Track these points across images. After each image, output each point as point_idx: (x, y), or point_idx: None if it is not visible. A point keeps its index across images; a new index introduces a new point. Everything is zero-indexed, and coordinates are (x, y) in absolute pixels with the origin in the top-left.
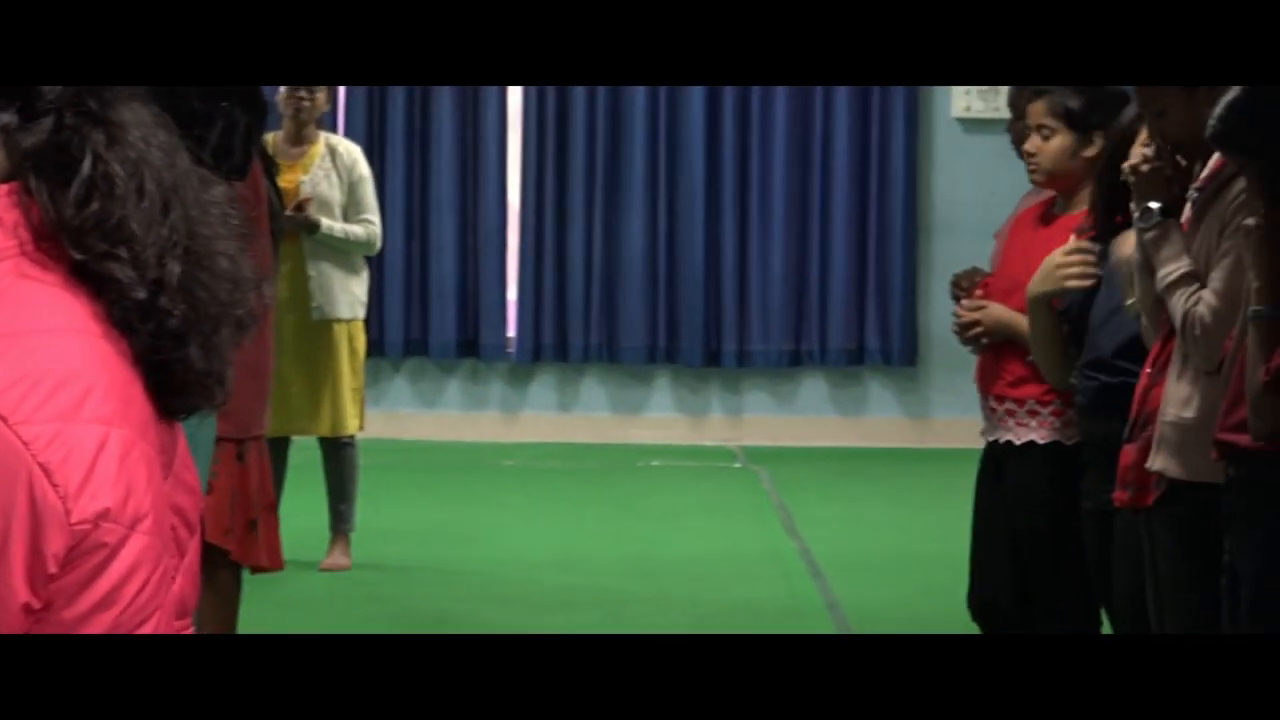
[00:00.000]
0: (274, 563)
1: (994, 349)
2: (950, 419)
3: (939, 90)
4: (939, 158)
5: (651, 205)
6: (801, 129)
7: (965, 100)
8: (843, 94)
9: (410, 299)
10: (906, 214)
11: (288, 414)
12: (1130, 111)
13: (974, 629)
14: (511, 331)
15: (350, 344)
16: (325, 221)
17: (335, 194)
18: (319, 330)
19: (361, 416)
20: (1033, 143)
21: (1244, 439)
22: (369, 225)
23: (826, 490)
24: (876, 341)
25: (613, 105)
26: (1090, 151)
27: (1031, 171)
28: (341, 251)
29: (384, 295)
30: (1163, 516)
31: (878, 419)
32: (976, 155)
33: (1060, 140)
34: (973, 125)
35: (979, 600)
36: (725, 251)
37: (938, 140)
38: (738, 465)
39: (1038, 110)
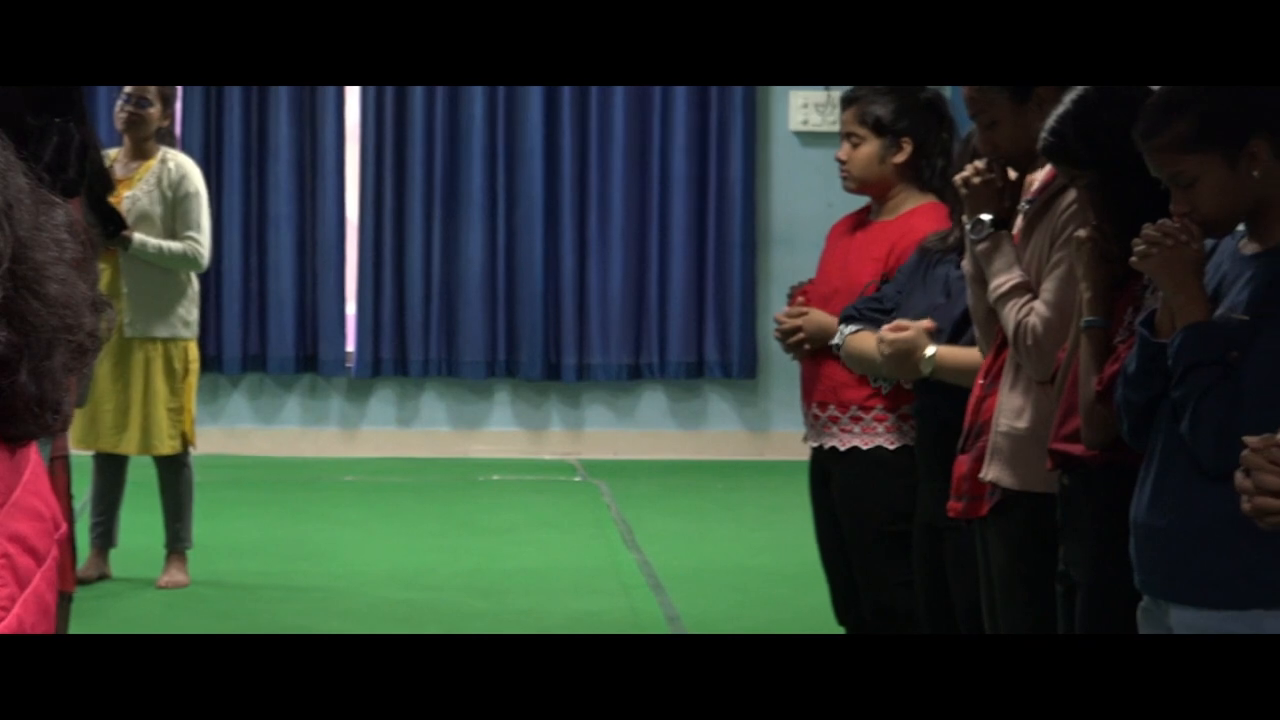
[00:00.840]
0: (64, 584)
1: (816, 356)
2: (790, 431)
3: (776, 104)
4: (776, 171)
5: (490, 219)
6: (640, 142)
7: (802, 114)
8: (680, 108)
9: (248, 314)
10: (745, 227)
11: (97, 430)
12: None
13: (824, 627)
14: (350, 346)
15: (169, 363)
16: (138, 237)
17: (157, 209)
18: (132, 348)
19: (185, 436)
20: (843, 151)
21: (1078, 448)
22: (191, 242)
23: (666, 503)
24: (716, 354)
25: (450, 119)
26: (900, 158)
27: (844, 179)
28: (164, 269)
29: (222, 310)
30: (996, 526)
31: (717, 432)
32: (813, 168)
33: (869, 148)
34: (810, 138)
35: (839, 606)
36: (564, 265)
37: (775, 153)
38: (578, 479)
39: (847, 118)
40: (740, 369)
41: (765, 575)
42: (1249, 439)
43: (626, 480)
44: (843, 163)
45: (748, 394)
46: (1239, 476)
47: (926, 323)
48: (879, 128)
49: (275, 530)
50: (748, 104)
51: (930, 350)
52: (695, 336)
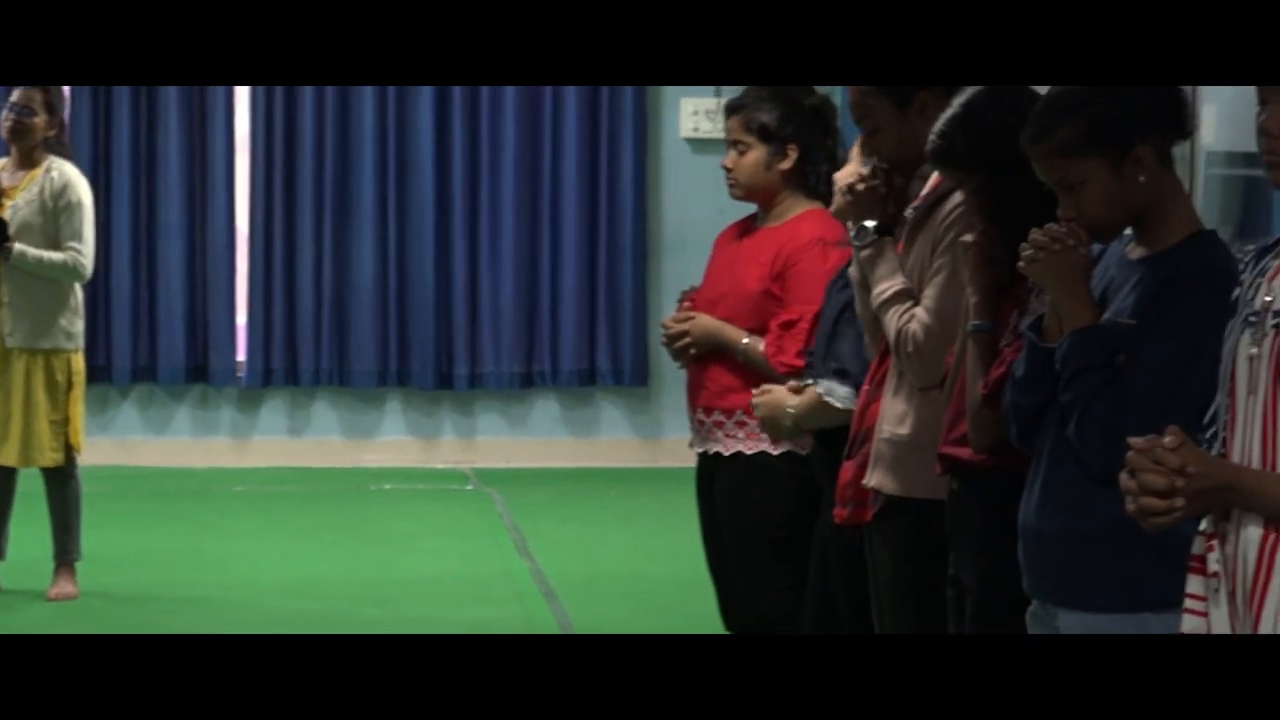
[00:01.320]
0: None
1: (701, 361)
2: (682, 438)
3: (667, 111)
4: (667, 178)
5: (381, 228)
6: (530, 150)
7: (693, 121)
8: (571, 115)
9: (138, 324)
10: (636, 234)
11: None
12: None
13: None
14: (241, 356)
15: (50, 375)
16: (18, 247)
17: (38, 219)
18: (13, 359)
19: (69, 448)
20: (729, 158)
21: (965, 453)
22: (73, 252)
23: (559, 511)
24: (608, 362)
25: (341, 127)
26: (785, 164)
27: (731, 186)
28: (47, 280)
29: (111, 321)
30: (881, 532)
31: (610, 439)
32: (704, 175)
33: (755, 155)
34: (700, 145)
35: (726, 612)
36: (456, 274)
37: (666, 160)
38: (470, 488)
39: (733, 126)
40: (632, 376)
41: (657, 582)
42: (1133, 440)
43: (519, 488)
44: (729, 170)
45: (640, 401)
46: (1124, 477)
47: (790, 386)
48: (765, 135)
49: (166, 541)
50: (638, 111)
51: (792, 408)
52: (587, 344)
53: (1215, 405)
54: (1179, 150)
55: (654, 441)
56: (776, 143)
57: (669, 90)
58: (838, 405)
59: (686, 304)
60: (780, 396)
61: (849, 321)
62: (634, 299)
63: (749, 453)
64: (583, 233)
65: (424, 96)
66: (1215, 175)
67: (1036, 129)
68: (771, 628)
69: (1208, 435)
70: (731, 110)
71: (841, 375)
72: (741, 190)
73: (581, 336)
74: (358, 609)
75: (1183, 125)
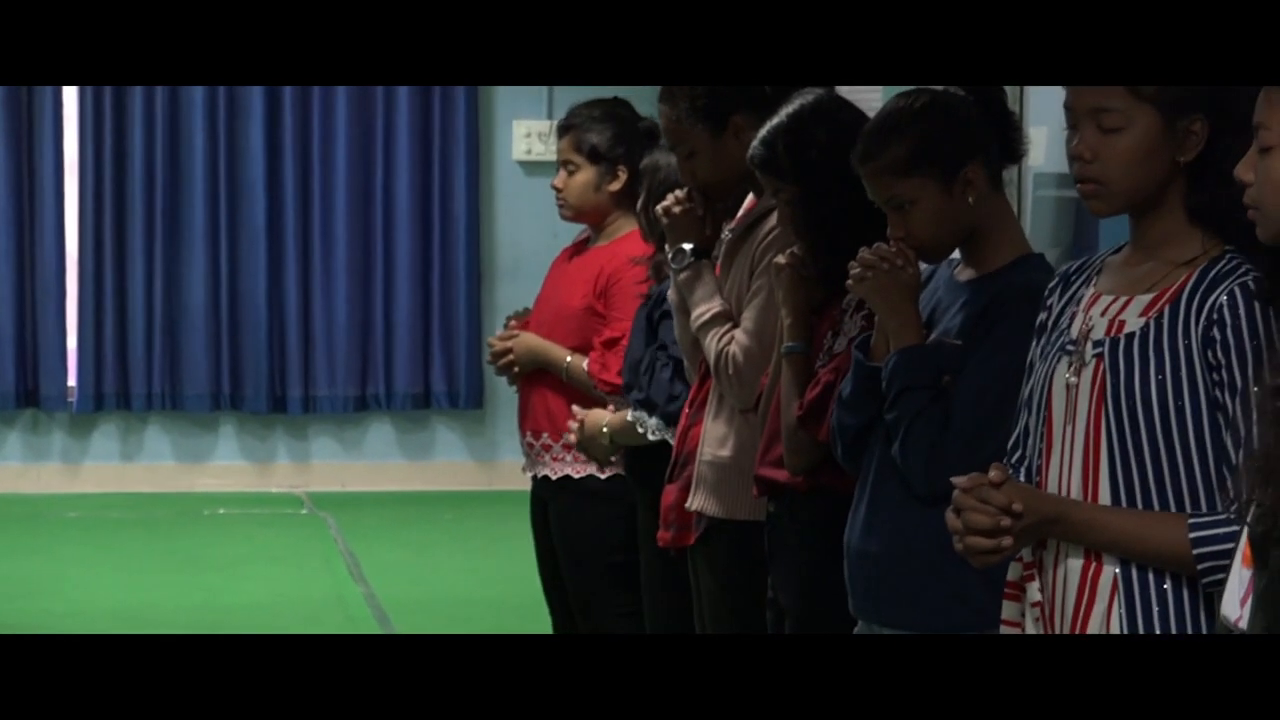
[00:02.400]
0: None
1: (530, 382)
2: (517, 461)
3: (500, 133)
4: (500, 201)
5: (213, 250)
6: (363, 172)
7: (525, 143)
8: (404, 137)
9: None
10: (470, 257)
11: None
12: (663, 155)
13: None
14: (72, 380)
15: None
16: None
17: None
18: None
19: None
20: (560, 178)
21: (782, 475)
22: None
23: (393, 535)
24: (443, 385)
25: (171, 150)
26: (615, 185)
27: (560, 206)
28: None
29: None
30: (704, 554)
31: (445, 462)
32: (537, 197)
33: (585, 175)
34: (533, 167)
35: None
36: (289, 296)
37: (499, 183)
38: (304, 512)
39: (564, 146)
40: (467, 399)
41: (492, 606)
42: (958, 479)
43: (354, 512)
44: (559, 190)
45: (475, 424)
46: (950, 516)
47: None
48: (594, 155)
49: None
50: (470, 134)
51: (607, 428)
52: (422, 367)
53: (1018, 430)
54: (1008, 172)
55: (489, 464)
56: (606, 164)
57: (501, 112)
58: (650, 437)
59: (514, 323)
60: (597, 417)
61: (656, 351)
62: (468, 321)
63: (577, 476)
64: (416, 255)
65: (254, 118)
66: (1045, 197)
67: (867, 147)
68: None
69: (1014, 460)
70: (563, 130)
71: (648, 407)
72: (571, 211)
73: (416, 359)
74: (185, 632)
75: (1014, 148)
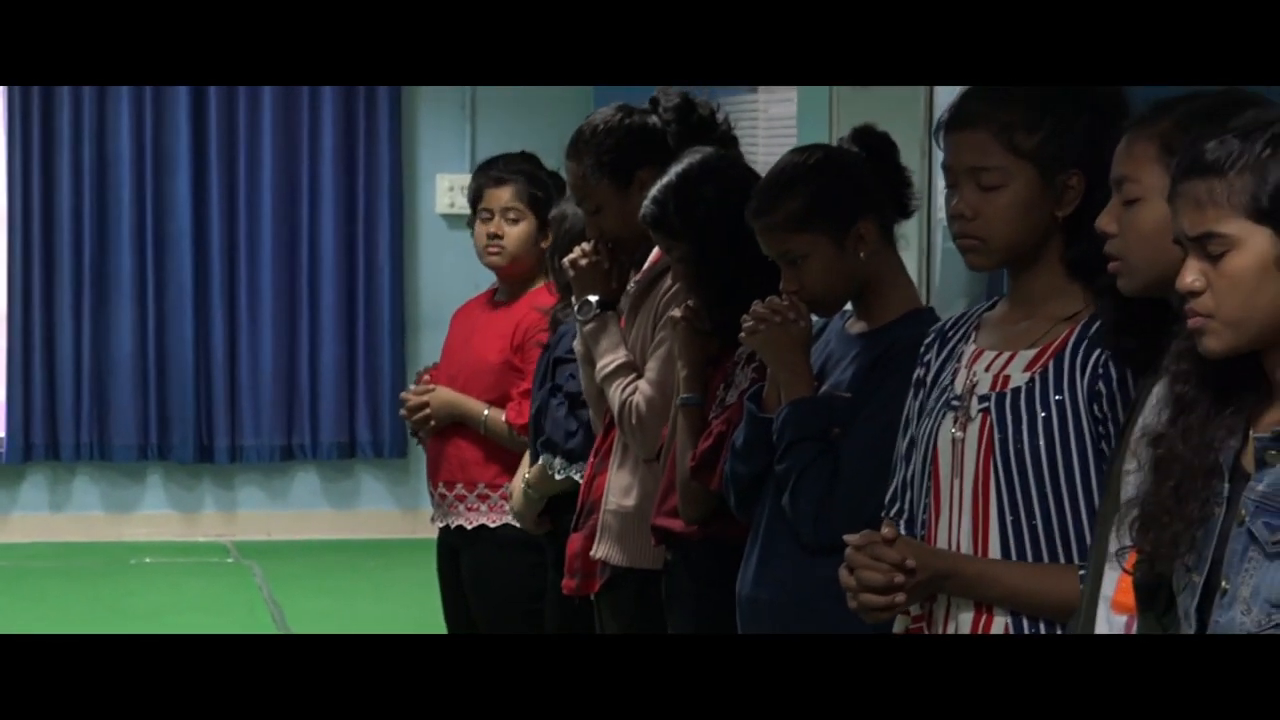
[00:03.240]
0: None
1: (441, 435)
2: None
3: (423, 187)
4: (423, 253)
5: (140, 302)
6: (288, 227)
7: (449, 196)
8: (328, 191)
9: None
10: (394, 309)
11: None
12: (570, 207)
13: None
14: (1, 432)
15: None
16: None
17: None
18: None
19: None
20: (498, 226)
21: (677, 524)
22: None
23: (318, 583)
24: (367, 433)
25: (98, 203)
26: (545, 243)
27: (494, 254)
28: None
29: None
30: (608, 602)
31: (370, 510)
32: (460, 249)
33: (527, 226)
34: (455, 220)
35: None
36: (215, 347)
37: (422, 236)
38: (230, 560)
39: (505, 195)
40: (392, 448)
41: None
42: (850, 537)
43: (279, 561)
44: (499, 237)
45: (399, 472)
46: (843, 574)
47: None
48: (536, 207)
49: None
50: (394, 187)
51: (525, 477)
52: (347, 417)
53: (896, 484)
54: (918, 221)
55: (413, 512)
56: (544, 219)
57: (424, 166)
58: (556, 476)
59: (426, 377)
60: (520, 475)
61: (550, 392)
62: (392, 372)
63: (493, 525)
64: (341, 307)
65: (180, 170)
66: (953, 247)
67: (761, 202)
68: None
69: (893, 513)
70: (499, 181)
71: (550, 448)
72: (507, 259)
73: (341, 409)
74: None
75: (905, 204)
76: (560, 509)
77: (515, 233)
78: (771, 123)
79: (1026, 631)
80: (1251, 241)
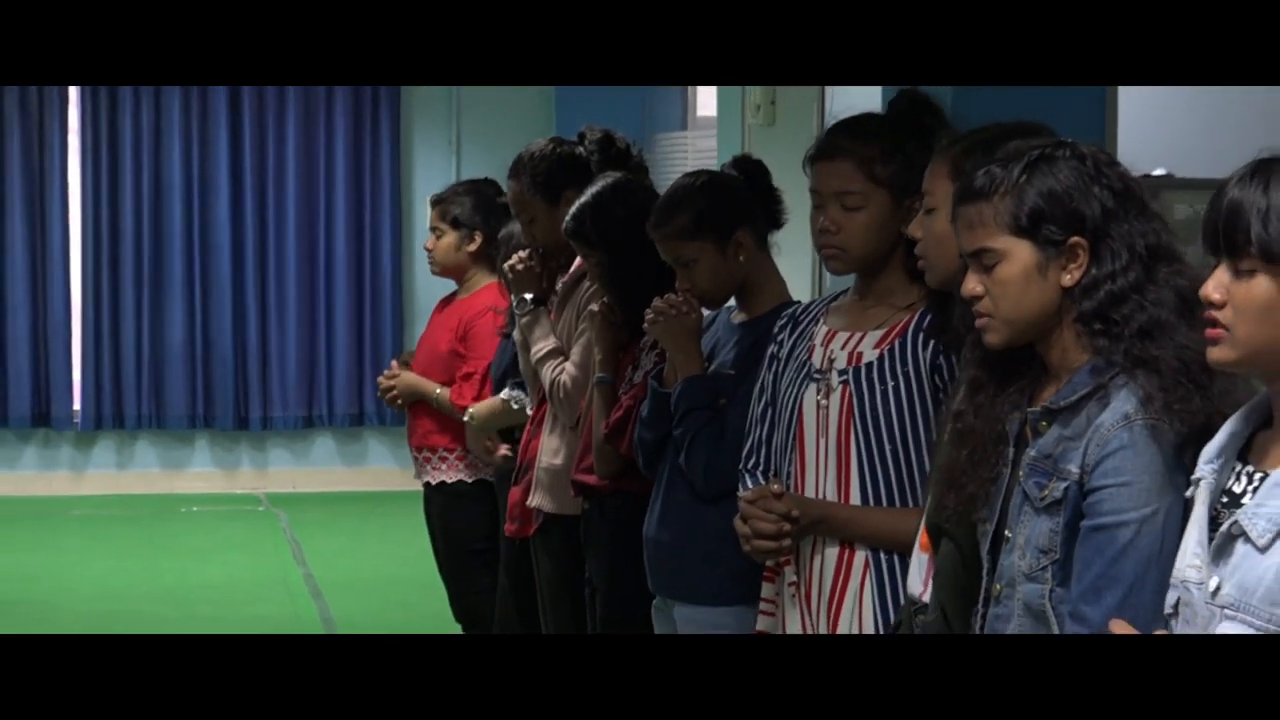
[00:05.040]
0: None
1: (414, 411)
2: None
3: (419, 208)
4: (418, 262)
5: (189, 300)
6: (308, 241)
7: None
8: (341, 210)
9: None
10: (394, 305)
11: None
12: (516, 226)
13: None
14: (77, 405)
15: None
16: None
17: None
18: None
19: None
20: (430, 241)
21: (593, 479)
22: None
23: (332, 527)
24: (374, 406)
25: (155, 221)
26: (472, 246)
27: (430, 264)
28: None
29: None
30: (542, 543)
31: (376, 468)
32: None
33: (448, 239)
34: None
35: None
36: (249, 337)
37: (416, 247)
38: (262, 509)
39: (434, 216)
40: (393, 418)
41: (405, 584)
42: (743, 493)
43: (301, 509)
44: (430, 251)
45: (400, 438)
46: (738, 523)
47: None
48: (456, 223)
49: (7, 557)
50: (394, 208)
51: (471, 413)
52: (357, 392)
53: (752, 442)
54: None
55: (411, 469)
56: (466, 229)
57: (419, 190)
58: (515, 407)
59: (395, 364)
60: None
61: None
62: (394, 355)
63: (450, 481)
64: (351, 304)
65: (221, 194)
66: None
67: (658, 217)
68: (476, 624)
69: (750, 465)
70: (434, 203)
71: (522, 387)
72: (438, 267)
73: (352, 386)
74: (158, 608)
75: (777, 217)
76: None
77: (441, 245)
78: (699, 154)
79: (883, 562)
80: (1016, 253)
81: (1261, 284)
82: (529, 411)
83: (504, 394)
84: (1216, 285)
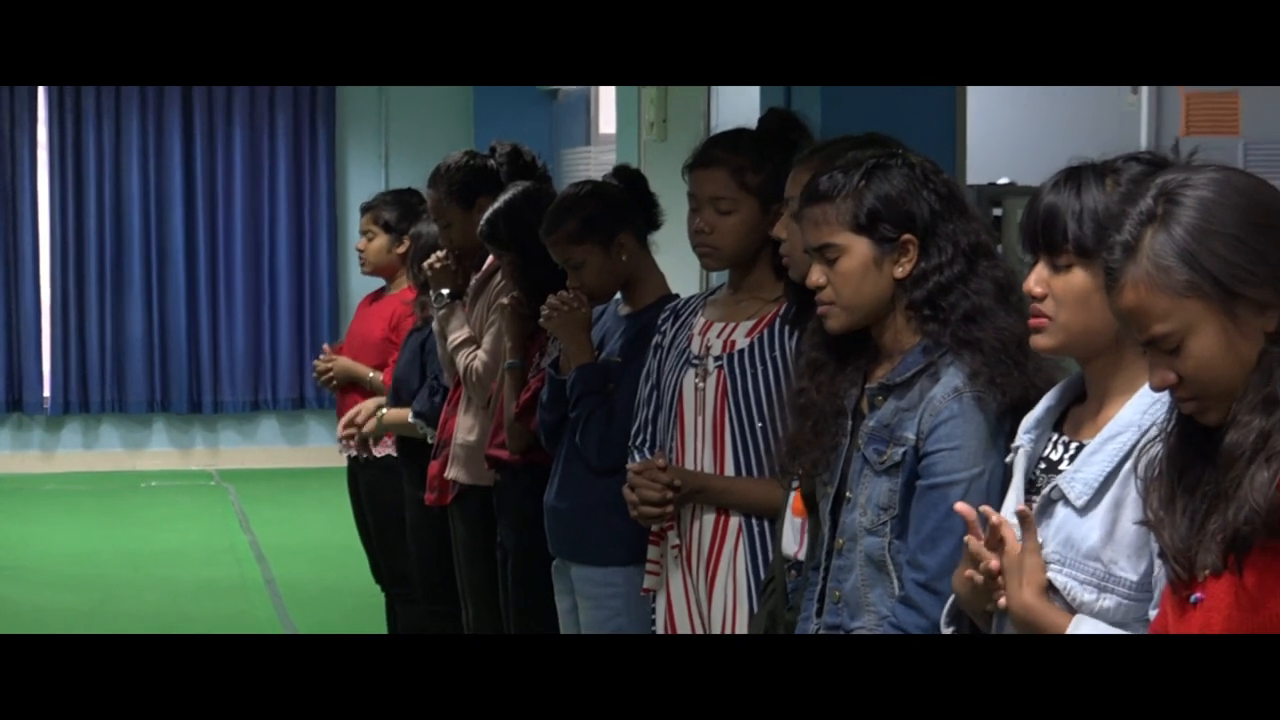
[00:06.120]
0: None
1: (345, 392)
2: None
3: (352, 215)
4: (352, 263)
5: (147, 296)
6: (254, 247)
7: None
8: (284, 221)
9: None
10: (331, 300)
11: None
12: (425, 226)
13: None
14: (47, 391)
15: None
16: None
17: None
18: None
19: None
20: (361, 243)
21: (504, 454)
22: None
23: (276, 499)
24: (313, 391)
25: (115, 230)
26: (400, 249)
27: (362, 264)
28: None
29: None
30: (458, 511)
31: (315, 447)
32: None
33: (379, 241)
34: None
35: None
36: (202, 328)
37: (350, 252)
38: (213, 484)
39: (365, 221)
40: (330, 401)
41: (340, 549)
42: (632, 465)
43: (249, 484)
44: (361, 251)
45: (336, 419)
46: (626, 491)
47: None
48: (387, 228)
49: None
50: (330, 218)
51: (380, 413)
52: (299, 379)
53: (639, 422)
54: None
55: None
56: (395, 234)
57: (352, 199)
58: (419, 431)
59: (328, 349)
60: (369, 407)
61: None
62: (330, 342)
63: (378, 456)
64: (293, 299)
65: (175, 206)
66: None
67: (548, 224)
68: (400, 584)
69: (638, 442)
70: (364, 210)
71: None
72: (369, 267)
73: (294, 373)
74: (121, 571)
75: (654, 219)
76: (411, 446)
77: (371, 247)
78: (600, 166)
79: (755, 527)
80: (855, 248)
81: (1078, 276)
82: (430, 441)
83: (413, 418)
84: (1038, 280)
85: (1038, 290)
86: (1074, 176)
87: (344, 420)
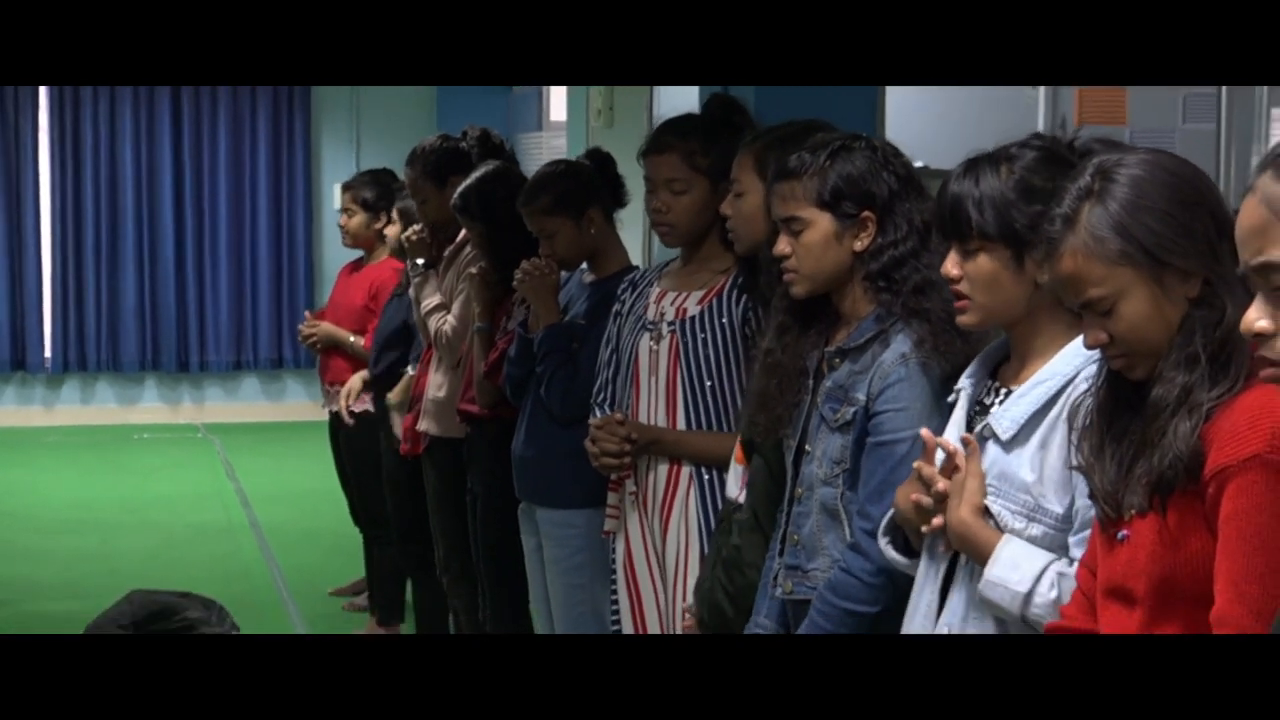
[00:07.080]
0: None
1: (327, 353)
2: None
3: (327, 191)
4: (327, 234)
5: (140, 268)
6: (238, 220)
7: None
8: (264, 197)
9: None
10: (307, 269)
11: None
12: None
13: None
14: (48, 352)
15: None
16: None
17: None
18: None
19: None
20: (343, 219)
21: (474, 408)
22: None
23: (259, 450)
24: (291, 352)
25: (111, 206)
26: (379, 224)
27: (344, 235)
28: None
29: None
30: (431, 461)
31: (294, 403)
32: None
33: (359, 218)
34: None
35: (354, 514)
36: (189, 295)
37: (326, 224)
38: (200, 436)
39: (346, 199)
40: (308, 361)
41: (317, 495)
42: (593, 420)
43: (234, 437)
44: (343, 226)
45: (313, 378)
46: (588, 444)
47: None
48: (366, 205)
49: None
50: (307, 193)
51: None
52: (278, 341)
53: (600, 382)
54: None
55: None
56: (373, 211)
57: (327, 177)
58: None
59: (309, 315)
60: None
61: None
62: (309, 306)
63: (357, 411)
64: (273, 269)
65: (165, 182)
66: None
67: (525, 196)
68: (378, 527)
69: (599, 400)
70: (344, 188)
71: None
72: (350, 239)
73: (274, 336)
74: (118, 516)
75: (620, 197)
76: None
77: (352, 222)
78: (552, 150)
79: (704, 476)
80: (819, 222)
81: (984, 260)
82: (411, 373)
83: (408, 371)
84: (953, 264)
85: (954, 273)
86: (973, 167)
87: (341, 404)
